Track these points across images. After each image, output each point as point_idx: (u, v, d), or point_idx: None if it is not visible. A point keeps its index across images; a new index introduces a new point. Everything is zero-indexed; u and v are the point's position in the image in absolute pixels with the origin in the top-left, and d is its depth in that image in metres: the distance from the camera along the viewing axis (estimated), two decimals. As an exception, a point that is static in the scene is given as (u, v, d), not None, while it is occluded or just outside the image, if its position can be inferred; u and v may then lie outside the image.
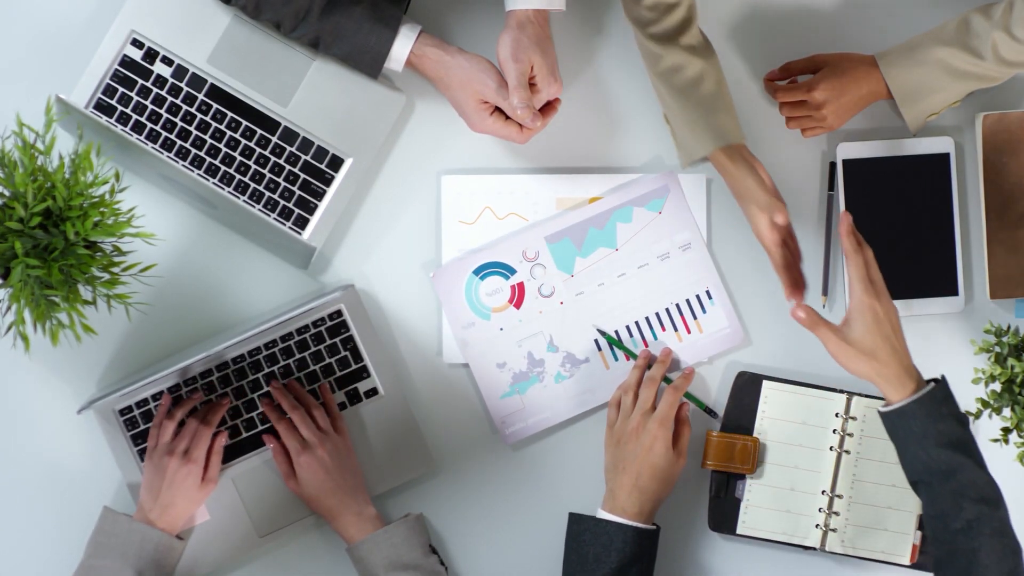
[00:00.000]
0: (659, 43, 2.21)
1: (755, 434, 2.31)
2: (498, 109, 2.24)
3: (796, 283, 2.22)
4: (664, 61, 2.21)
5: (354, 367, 2.30)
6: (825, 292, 2.34)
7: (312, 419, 2.27)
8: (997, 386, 2.15)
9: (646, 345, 2.32)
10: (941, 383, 2.12)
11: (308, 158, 2.30)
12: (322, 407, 2.28)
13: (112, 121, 2.28)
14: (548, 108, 2.26)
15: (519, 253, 2.33)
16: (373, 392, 2.31)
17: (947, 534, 2.09)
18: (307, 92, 2.30)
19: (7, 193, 1.95)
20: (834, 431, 2.30)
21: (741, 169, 2.21)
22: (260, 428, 2.29)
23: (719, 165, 2.23)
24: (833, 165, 2.34)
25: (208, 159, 2.29)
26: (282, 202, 2.30)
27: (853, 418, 2.30)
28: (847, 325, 2.13)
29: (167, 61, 2.29)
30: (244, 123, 2.29)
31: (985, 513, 2.08)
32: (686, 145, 2.23)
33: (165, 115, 2.28)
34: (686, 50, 2.20)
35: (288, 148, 2.29)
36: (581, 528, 2.22)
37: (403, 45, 2.24)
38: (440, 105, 2.33)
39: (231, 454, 2.30)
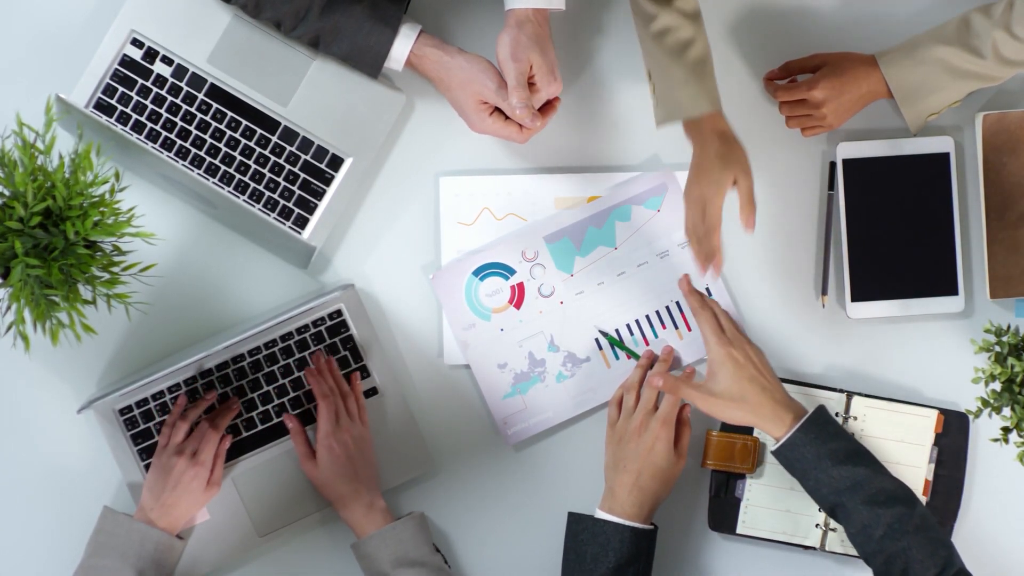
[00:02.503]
0: (655, 3, 2.20)
1: (755, 434, 2.31)
2: (498, 109, 2.24)
3: (708, 255, 2.21)
4: (658, 22, 2.19)
5: (354, 366, 2.30)
6: (824, 292, 2.34)
7: (344, 404, 2.27)
8: (997, 385, 2.15)
9: (647, 343, 2.32)
10: (819, 408, 2.18)
11: (308, 158, 2.30)
12: (353, 396, 2.28)
13: (112, 121, 2.28)
14: (548, 107, 2.26)
15: (518, 253, 2.33)
16: (373, 392, 2.31)
17: (873, 543, 2.11)
18: (307, 92, 2.30)
19: (7, 193, 1.95)
20: (834, 431, 2.30)
21: (715, 145, 2.20)
22: (261, 427, 2.30)
23: (695, 132, 2.21)
24: (833, 165, 2.34)
25: (208, 158, 2.29)
26: (282, 201, 2.30)
27: (853, 417, 2.30)
28: (712, 379, 2.21)
29: (167, 61, 2.29)
30: (244, 122, 2.29)
31: (903, 513, 2.11)
32: (668, 105, 2.22)
33: (165, 115, 2.28)
34: (680, 13, 2.19)
35: (288, 147, 2.30)
36: (580, 528, 2.23)
37: (403, 45, 2.24)
38: (440, 105, 2.33)
39: (231, 453, 2.30)
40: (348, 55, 2.25)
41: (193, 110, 2.29)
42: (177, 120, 2.29)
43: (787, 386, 2.30)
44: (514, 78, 2.20)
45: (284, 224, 2.30)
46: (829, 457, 2.14)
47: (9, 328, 1.98)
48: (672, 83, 2.20)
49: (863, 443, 2.30)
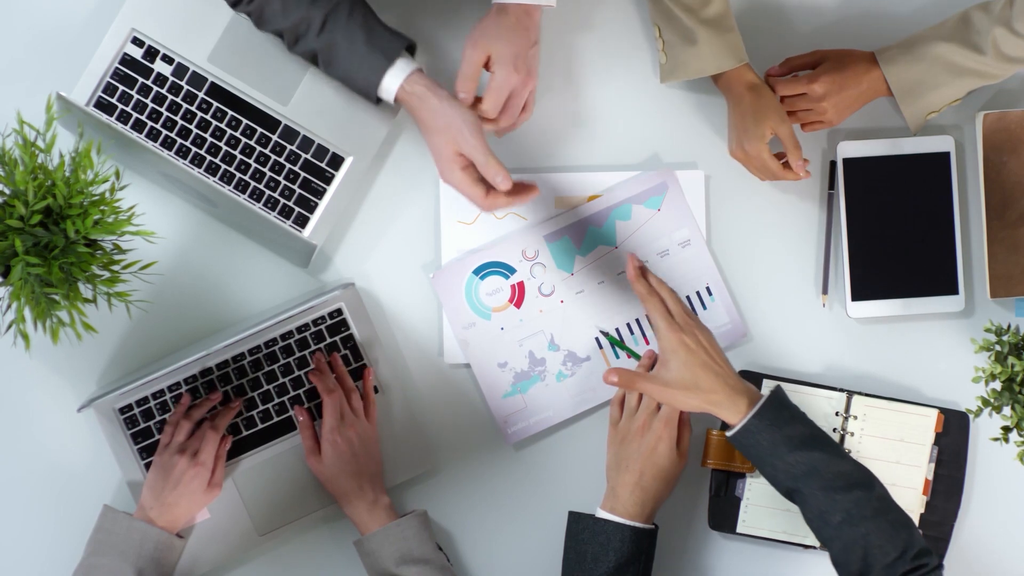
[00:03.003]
0: None
1: (755, 433, 2.31)
2: (472, 167, 2.19)
3: (794, 178, 2.25)
4: None
5: (354, 365, 2.30)
6: (825, 291, 2.34)
7: (348, 400, 2.27)
8: (997, 385, 2.14)
9: (647, 343, 2.32)
10: (774, 391, 2.16)
11: (308, 156, 2.30)
12: (358, 391, 2.28)
13: (112, 119, 2.28)
14: (523, 191, 2.19)
15: (519, 252, 2.33)
16: (373, 390, 2.31)
17: (831, 529, 2.10)
18: (307, 91, 2.29)
19: (7, 191, 1.95)
20: (834, 430, 2.30)
21: (747, 98, 2.23)
22: (261, 426, 2.30)
23: (725, 88, 2.25)
24: (834, 164, 2.34)
25: (208, 157, 2.29)
26: (282, 200, 2.30)
27: (854, 417, 2.30)
28: (663, 367, 2.19)
29: (167, 59, 2.29)
30: (244, 121, 2.29)
31: (861, 497, 2.10)
32: (689, 63, 2.24)
33: (165, 113, 2.28)
34: None
35: (288, 146, 2.30)
36: (580, 527, 2.22)
37: (395, 78, 2.20)
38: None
39: (231, 452, 2.30)
40: (344, 78, 2.23)
41: (193, 109, 2.29)
42: (177, 119, 2.29)
43: (788, 386, 2.31)
44: (464, 66, 2.19)
45: (284, 223, 2.30)
46: (784, 443, 2.13)
47: (9, 327, 1.98)
48: (696, 42, 2.21)
49: (867, 443, 2.30)
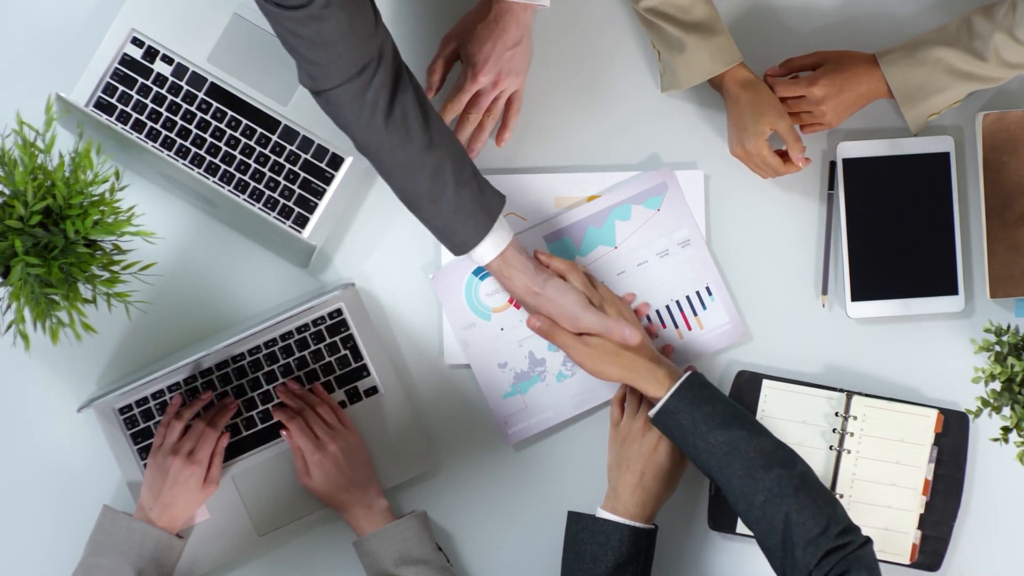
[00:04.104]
0: None
1: (755, 433, 2.31)
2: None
3: (794, 169, 2.25)
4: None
5: (354, 366, 2.30)
6: (825, 292, 2.34)
7: (319, 417, 2.27)
8: (997, 385, 2.14)
9: (646, 343, 2.32)
10: (693, 372, 2.18)
11: (308, 157, 2.30)
12: (327, 404, 2.28)
13: (112, 119, 2.28)
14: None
15: (519, 252, 2.33)
16: (373, 391, 2.31)
17: (755, 510, 2.11)
18: (307, 91, 2.29)
19: (7, 191, 1.95)
20: (834, 430, 2.30)
21: (743, 96, 2.24)
22: (260, 427, 2.30)
23: (721, 88, 2.26)
24: (833, 164, 2.34)
25: (208, 157, 2.29)
26: (282, 200, 2.30)
27: (853, 417, 2.30)
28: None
29: (167, 60, 2.29)
30: (244, 122, 2.29)
31: (781, 475, 2.10)
32: (679, 72, 2.24)
33: (165, 113, 2.28)
34: None
35: (288, 147, 2.30)
36: (579, 527, 2.22)
37: (494, 244, 2.17)
38: (437, 105, 2.32)
39: (231, 452, 2.30)
40: (440, 226, 2.16)
41: (193, 109, 2.29)
42: (177, 119, 2.29)
43: (787, 386, 2.31)
44: (434, 57, 2.23)
45: (284, 223, 2.30)
46: (704, 423, 2.14)
47: (9, 327, 1.98)
48: (685, 50, 2.22)
49: (867, 443, 2.30)
